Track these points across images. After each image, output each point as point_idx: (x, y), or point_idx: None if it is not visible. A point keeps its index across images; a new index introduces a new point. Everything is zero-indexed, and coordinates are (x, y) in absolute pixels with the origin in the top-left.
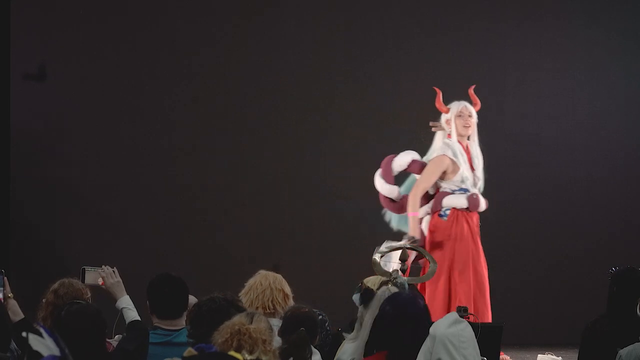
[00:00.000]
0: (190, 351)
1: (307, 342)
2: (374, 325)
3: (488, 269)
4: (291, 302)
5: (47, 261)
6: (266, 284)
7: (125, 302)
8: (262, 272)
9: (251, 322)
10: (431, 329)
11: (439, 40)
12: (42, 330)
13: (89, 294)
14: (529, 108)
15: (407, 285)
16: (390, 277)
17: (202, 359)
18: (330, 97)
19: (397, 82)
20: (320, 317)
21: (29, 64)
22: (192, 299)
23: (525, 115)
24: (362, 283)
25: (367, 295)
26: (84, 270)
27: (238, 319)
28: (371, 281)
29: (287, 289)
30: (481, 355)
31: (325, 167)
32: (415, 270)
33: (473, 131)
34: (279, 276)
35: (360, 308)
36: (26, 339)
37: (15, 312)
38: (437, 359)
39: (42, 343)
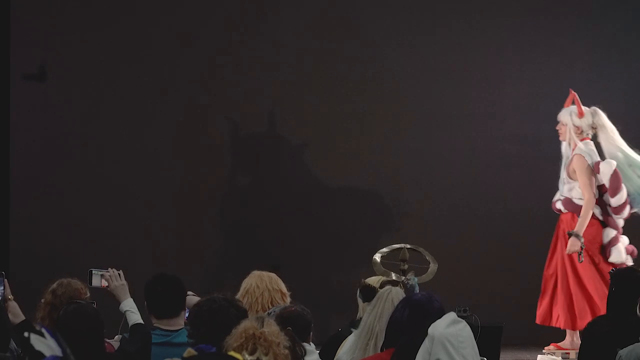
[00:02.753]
0: (190, 351)
1: (294, 340)
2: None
3: (486, 270)
4: (288, 300)
5: (47, 261)
6: (263, 287)
7: (129, 305)
8: (256, 272)
9: (262, 326)
10: (430, 329)
11: (439, 40)
12: (43, 331)
13: (88, 294)
14: (528, 108)
15: (417, 288)
16: (401, 280)
17: (202, 359)
18: (331, 97)
19: (397, 83)
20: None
21: (29, 64)
22: (195, 299)
23: (525, 115)
24: (362, 280)
25: (368, 291)
26: (91, 273)
27: (249, 323)
28: (372, 281)
29: (284, 288)
30: (481, 355)
31: (325, 168)
32: (418, 270)
33: (566, 137)
34: (274, 275)
35: (363, 305)
36: (28, 339)
37: (16, 314)
38: (436, 359)
39: (44, 343)
